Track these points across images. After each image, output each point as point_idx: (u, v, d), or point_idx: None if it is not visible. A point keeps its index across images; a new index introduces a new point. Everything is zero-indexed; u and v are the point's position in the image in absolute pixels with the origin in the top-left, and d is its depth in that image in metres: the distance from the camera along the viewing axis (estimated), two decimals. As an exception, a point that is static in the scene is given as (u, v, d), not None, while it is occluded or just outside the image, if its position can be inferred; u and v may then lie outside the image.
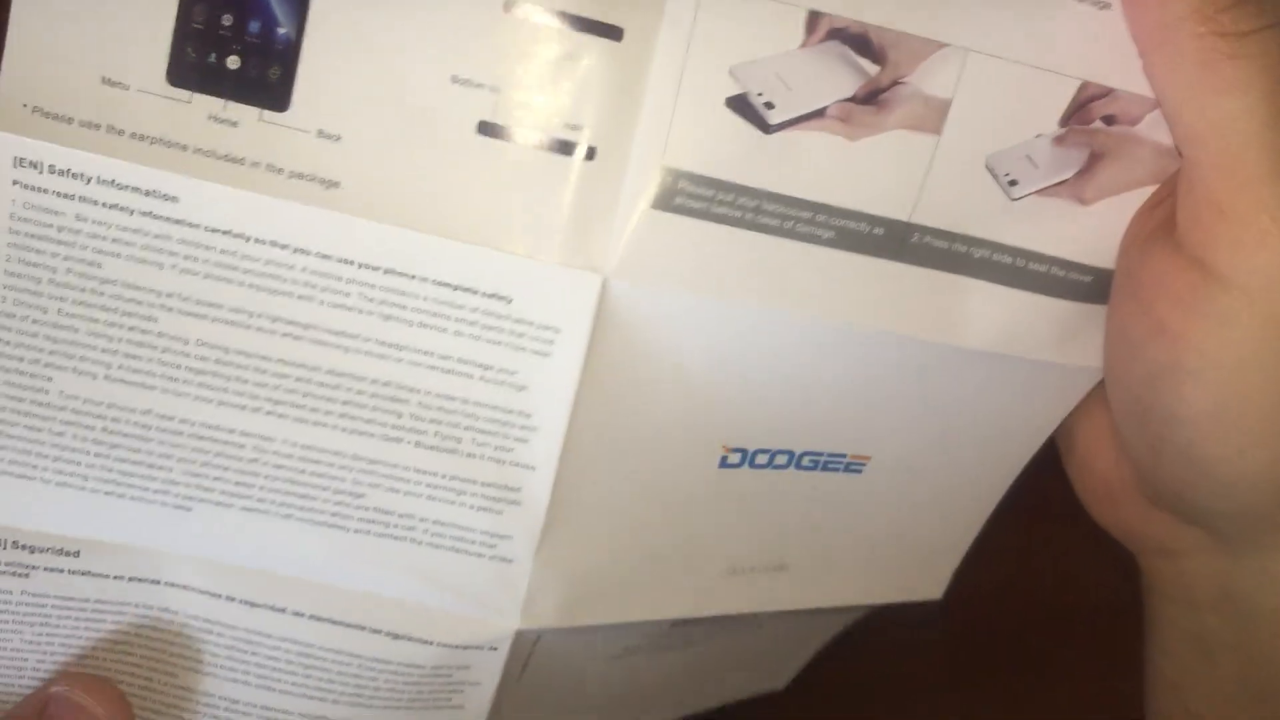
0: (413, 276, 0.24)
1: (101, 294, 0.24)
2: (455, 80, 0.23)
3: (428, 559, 0.27)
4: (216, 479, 0.25)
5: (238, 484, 0.26)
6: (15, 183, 0.22)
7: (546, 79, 0.23)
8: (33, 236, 0.23)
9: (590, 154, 0.23)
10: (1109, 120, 0.24)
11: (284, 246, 0.23)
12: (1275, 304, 0.22)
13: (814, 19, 0.23)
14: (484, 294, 0.24)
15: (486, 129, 0.23)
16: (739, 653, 0.36)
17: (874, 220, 0.25)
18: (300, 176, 0.23)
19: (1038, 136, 0.24)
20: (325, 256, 0.23)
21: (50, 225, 0.23)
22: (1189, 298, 0.23)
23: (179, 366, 0.24)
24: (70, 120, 0.22)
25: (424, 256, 0.24)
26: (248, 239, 0.23)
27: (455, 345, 0.25)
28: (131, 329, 0.24)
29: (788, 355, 0.26)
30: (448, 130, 0.23)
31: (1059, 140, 0.24)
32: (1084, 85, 0.24)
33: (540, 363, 0.25)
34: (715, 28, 0.23)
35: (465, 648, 0.28)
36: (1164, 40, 0.22)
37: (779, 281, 0.25)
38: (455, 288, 0.24)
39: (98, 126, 0.22)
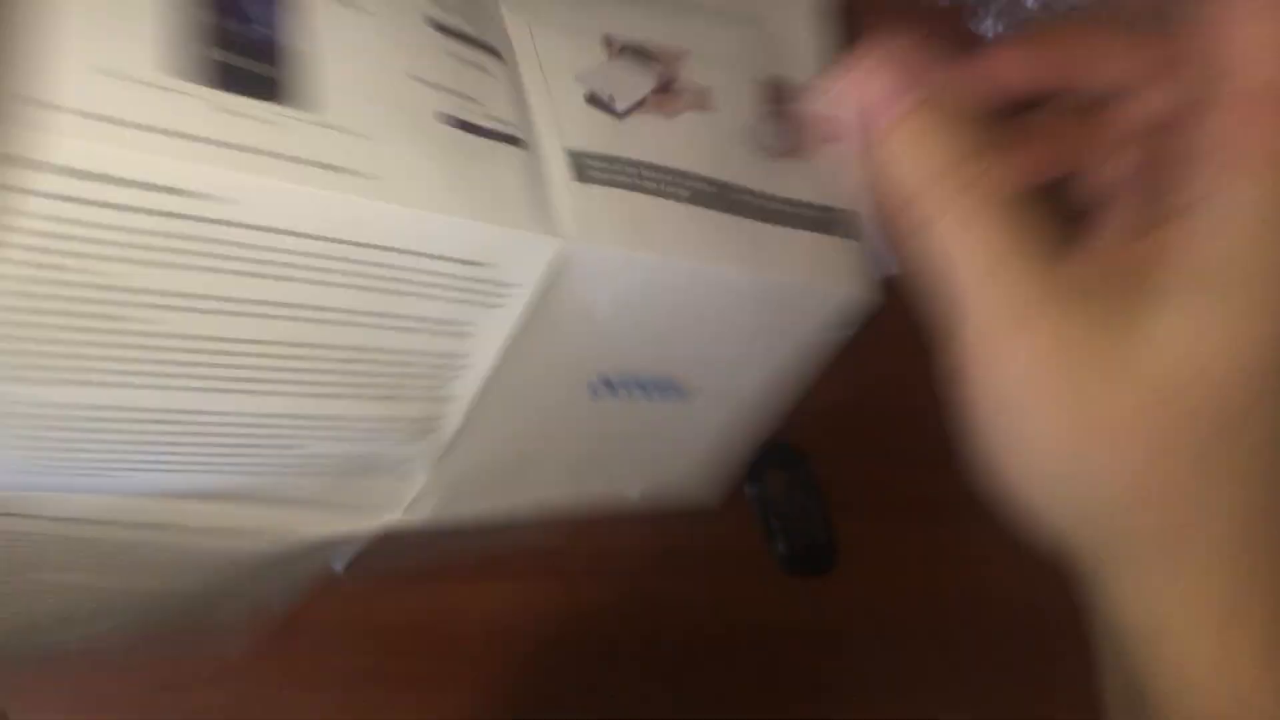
0: (391, 249, 0.24)
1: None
2: (412, 77, 0.24)
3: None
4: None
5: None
6: None
7: (471, 82, 0.25)
8: None
9: (517, 141, 0.26)
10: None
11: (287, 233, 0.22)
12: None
13: (608, 39, 0.29)
14: (459, 260, 0.25)
15: (445, 119, 0.24)
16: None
17: (708, 180, 0.30)
18: (299, 161, 0.22)
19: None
20: (323, 239, 0.23)
21: None
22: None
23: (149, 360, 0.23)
24: (60, 110, 0.18)
25: (401, 228, 0.24)
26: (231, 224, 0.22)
27: (428, 307, 0.25)
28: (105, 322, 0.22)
29: (667, 295, 0.30)
30: (417, 118, 0.24)
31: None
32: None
33: (490, 313, 0.26)
34: (551, 46, 0.28)
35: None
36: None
37: (662, 233, 0.29)
38: (434, 257, 0.25)
39: (88, 116, 0.19)
